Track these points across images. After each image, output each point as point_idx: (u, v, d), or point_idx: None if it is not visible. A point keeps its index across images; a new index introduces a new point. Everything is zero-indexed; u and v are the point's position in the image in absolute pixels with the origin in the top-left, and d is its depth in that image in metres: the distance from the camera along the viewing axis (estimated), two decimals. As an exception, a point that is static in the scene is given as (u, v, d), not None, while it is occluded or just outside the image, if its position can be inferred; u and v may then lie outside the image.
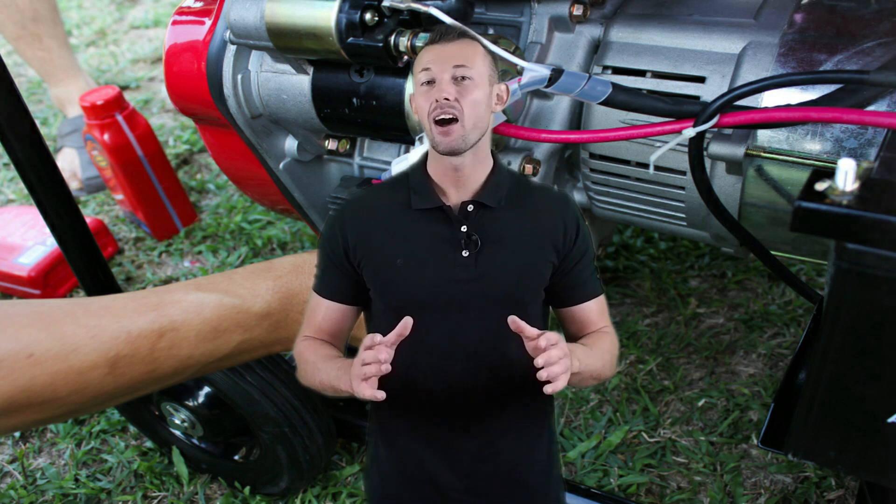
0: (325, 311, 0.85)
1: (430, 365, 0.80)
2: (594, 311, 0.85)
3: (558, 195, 0.85)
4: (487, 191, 0.79)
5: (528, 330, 0.71)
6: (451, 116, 0.74)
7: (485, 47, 0.79)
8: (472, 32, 0.82)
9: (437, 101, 0.74)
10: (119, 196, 2.11)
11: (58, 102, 2.49)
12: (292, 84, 1.22)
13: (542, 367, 0.69)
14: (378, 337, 0.71)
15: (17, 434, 1.60)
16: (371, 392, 0.70)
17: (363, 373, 0.70)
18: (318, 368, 0.80)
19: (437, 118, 0.74)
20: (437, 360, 0.80)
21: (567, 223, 0.81)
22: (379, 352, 0.70)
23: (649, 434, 1.43)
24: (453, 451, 0.83)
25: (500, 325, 0.79)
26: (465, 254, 0.78)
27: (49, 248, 1.93)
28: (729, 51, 1.09)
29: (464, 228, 0.78)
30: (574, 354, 0.75)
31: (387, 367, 0.70)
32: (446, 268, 0.78)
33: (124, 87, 2.86)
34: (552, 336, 0.71)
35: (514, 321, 0.71)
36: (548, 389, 0.70)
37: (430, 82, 0.75)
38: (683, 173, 1.13)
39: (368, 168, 1.33)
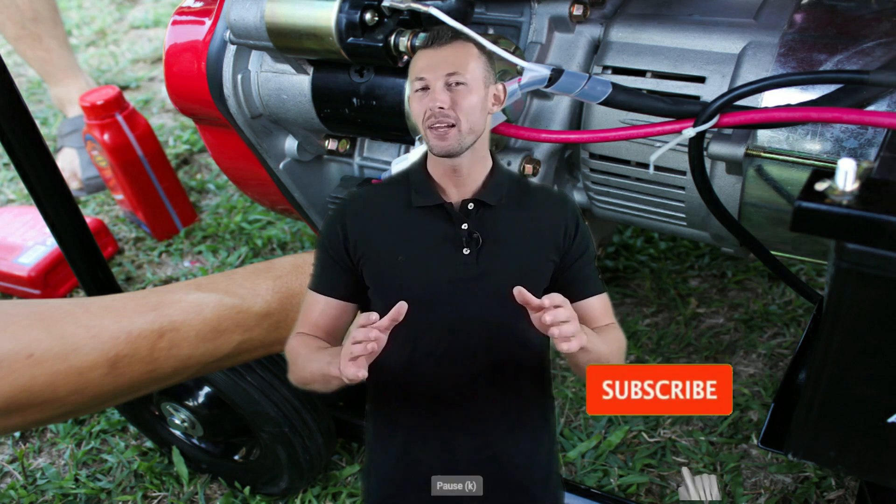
0: (323, 308, 0.84)
1: (429, 364, 0.80)
2: (597, 307, 0.84)
3: (558, 195, 0.85)
4: (488, 190, 0.79)
5: (534, 300, 0.71)
6: (445, 125, 0.74)
7: (478, 45, 0.79)
8: (467, 32, 0.82)
9: (430, 109, 0.75)
10: (119, 196, 2.11)
11: (58, 102, 2.49)
12: (292, 84, 1.22)
13: (553, 328, 0.69)
14: (374, 315, 0.70)
15: (17, 434, 1.60)
16: (354, 370, 0.69)
17: (351, 351, 0.69)
18: (310, 360, 0.79)
19: (431, 126, 0.75)
20: (437, 359, 0.80)
21: (567, 221, 0.82)
22: (370, 331, 0.69)
23: (649, 434, 1.43)
24: (451, 453, 0.82)
25: (500, 324, 0.79)
26: (466, 252, 0.78)
27: (49, 248, 1.93)
28: (729, 51, 1.09)
29: (465, 226, 0.78)
30: (583, 330, 0.74)
31: (372, 346, 0.69)
32: (448, 266, 0.78)
33: (124, 87, 2.86)
34: (556, 297, 0.71)
35: (520, 292, 0.71)
36: (563, 348, 0.70)
37: (424, 89, 0.76)
38: (683, 173, 1.13)
39: (368, 168, 1.33)
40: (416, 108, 0.77)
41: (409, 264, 0.79)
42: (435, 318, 0.79)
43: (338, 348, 0.76)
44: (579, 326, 0.72)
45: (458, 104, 0.75)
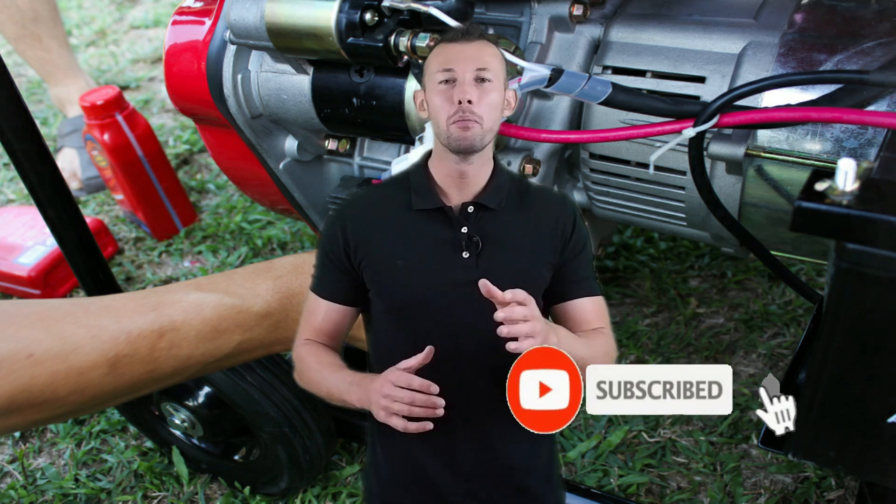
0: (325, 312, 0.84)
1: (429, 367, 0.79)
2: (589, 309, 0.83)
3: (558, 196, 0.85)
4: (488, 193, 0.79)
5: (499, 294, 0.69)
6: (473, 119, 0.74)
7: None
8: (490, 35, 0.81)
9: (459, 102, 0.74)
10: (119, 196, 2.11)
11: (58, 102, 2.49)
12: (292, 84, 1.22)
13: (503, 326, 0.69)
14: (404, 377, 0.72)
15: (17, 434, 1.60)
16: (403, 424, 0.72)
17: (390, 408, 0.72)
18: (324, 377, 0.80)
19: (458, 119, 0.74)
20: (437, 363, 0.79)
21: (564, 220, 0.81)
22: (414, 396, 0.71)
23: (649, 434, 1.43)
24: (453, 455, 0.82)
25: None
26: (465, 255, 0.78)
27: (49, 248, 1.93)
28: (729, 51, 1.09)
29: (464, 230, 0.78)
30: (555, 331, 0.73)
31: (419, 411, 0.72)
32: (447, 269, 0.78)
33: (124, 87, 2.86)
34: (519, 294, 0.69)
35: (484, 284, 0.70)
36: (510, 347, 0.69)
37: (450, 81, 0.75)
38: (683, 173, 1.13)
39: (368, 168, 1.33)
40: (436, 101, 0.75)
41: (409, 268, 0.78)
42: (435, 321, 0.79)
43: (357, 375, 0.78)
44: (542, 328, 0.70)
45: (483, 100, 0.74)
